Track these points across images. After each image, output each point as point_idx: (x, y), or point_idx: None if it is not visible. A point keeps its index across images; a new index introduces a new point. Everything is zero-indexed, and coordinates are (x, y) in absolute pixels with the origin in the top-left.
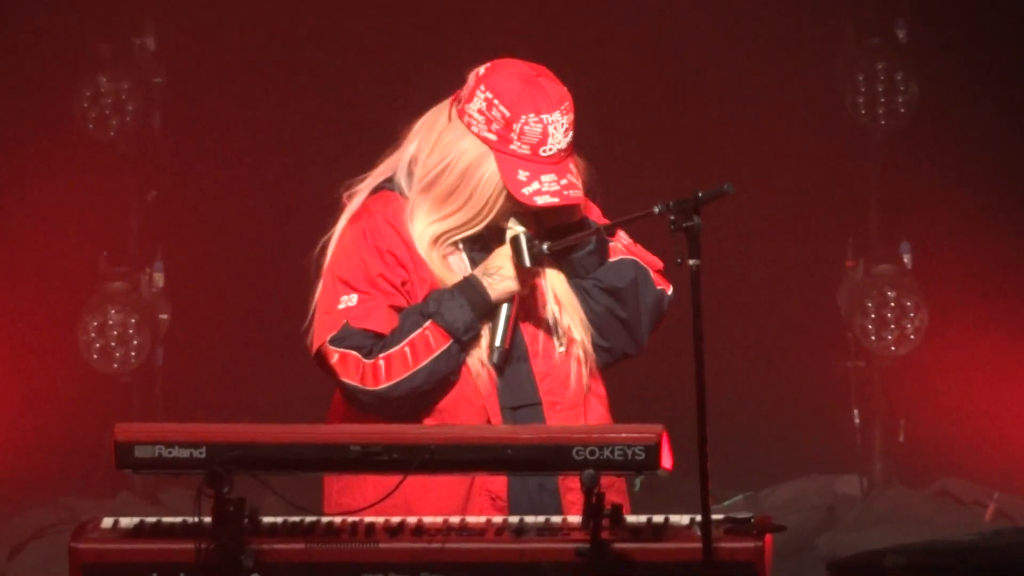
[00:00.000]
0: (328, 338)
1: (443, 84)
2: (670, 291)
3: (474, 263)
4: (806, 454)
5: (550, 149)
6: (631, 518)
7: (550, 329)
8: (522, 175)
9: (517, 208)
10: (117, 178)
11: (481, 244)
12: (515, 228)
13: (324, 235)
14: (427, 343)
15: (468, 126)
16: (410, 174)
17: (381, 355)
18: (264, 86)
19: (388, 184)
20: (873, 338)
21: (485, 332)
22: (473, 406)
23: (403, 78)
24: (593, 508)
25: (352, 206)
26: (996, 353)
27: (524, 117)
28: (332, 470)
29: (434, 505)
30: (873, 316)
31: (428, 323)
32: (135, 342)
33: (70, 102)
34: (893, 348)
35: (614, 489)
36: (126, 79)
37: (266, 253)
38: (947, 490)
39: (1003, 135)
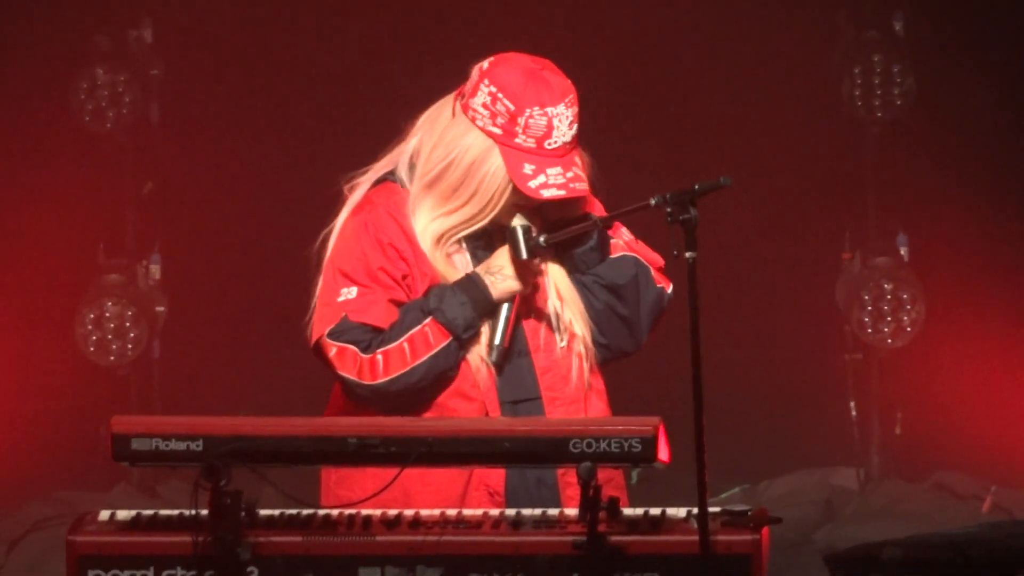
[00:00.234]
0: (326, 331)
1: (443, 77)
2: (670, 289)
3: (476, 260)
4: (803, 447)
5: (555, 142)
6: (628, 511)
7: (551, 324)
8: (528, 168)
9: (522, 202)
10: (114, 170)
11: (484, 241)
12: (516, 222)
13: (322, 228)
14: (426, 339)
15: (472, 120)
16: (412, 167)
17: (379, 350)
18: (262, 78)
19: (390, 176)
20: (870, 331)
21: (485, 330)
22: (472, 401)
23: (402, 72)
24: (590, 501)
25: (354, 198)
26: (993, 346)
27: (529, 110)
28: (329, 463)
29: (431, 500)
30: (870, 309)
31: (428, 319)
32: (132, 334)
33: (67, 94)
34: (890, 341)
35: (613, 484)
36: (123, 71)
37: (263, 246)
38: (944, 483)
39: (1000, 128)
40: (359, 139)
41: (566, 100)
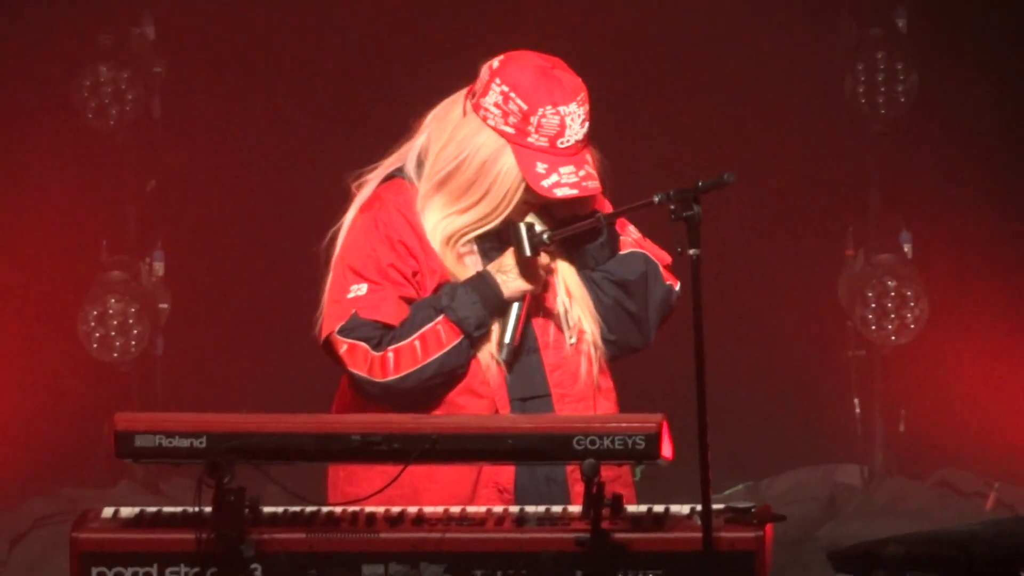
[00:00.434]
0: (337, 328)
1: (447, 73)
2: (678, 287)
3: (487, 259)
4: (806, 444)
5: (567, 140)
6: (631, 508)
7: (560, 321)
8: (540, 168)
9: (532, 201)
10: (117, 167)
11: (495, 239)
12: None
13: (325, 224)
14: (438, 337)
15: (484, 120)
16: (420, 164)
17: (390, 347)
18: (264, 75)
19: (399, 173)
20: (873, 328)
21: (495, 328)
22: (482, 398)
23: (405, 69)
24: (593, 498)
25: (362, 195)
26: (997, 342)
27: (541, 110)
28: (332, 460)
29: (440, 497)
30: (873, 306)
31: (440, 317)
32: (135, 331)
33: (69, 92)
34: (893, 338)
35: (621, 481)
36: (126, 68)
37: (266, 242)
38: (948, 480)
39: (1003, 125)
40: (361, 136)
41: (578, 98)
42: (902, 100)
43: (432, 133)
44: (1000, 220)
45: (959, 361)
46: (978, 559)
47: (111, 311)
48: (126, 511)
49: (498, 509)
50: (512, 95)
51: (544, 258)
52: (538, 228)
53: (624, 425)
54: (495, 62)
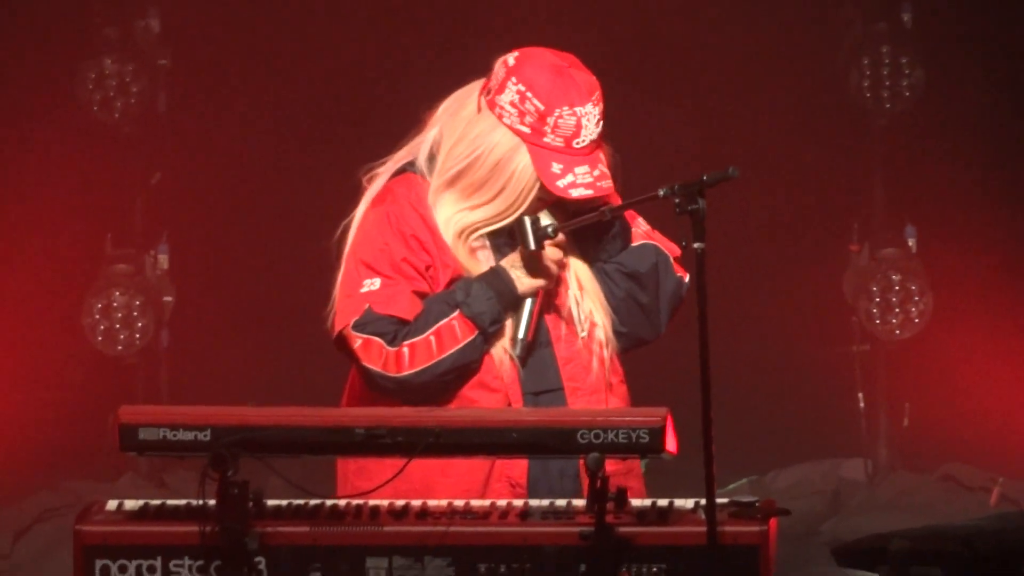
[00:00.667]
0: (351, 323)
1: (454, 66)
2: (687, 279)
3: (499, 253)
4: (811, 438)
5: (583, 141)
6: (636, 501)
7: (572, 315)
8: (556, 168)
9: (545, 198)
10: (122, 160)
11: (507, 235)
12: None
13: (330, 218)
14: (453, 333)
15: (500, 118)
16: (431, 158)
17: (405, 342)
18: (270, 68)
19: (410, 167)
20: (878, 322)
21: (508, 323)
22: (495, 392)
23: (412, 62)
24: (598, 492)
25: (374, 188)
26: (1001, 337)
27: (558, 110)
28: (336, 453)
29: (452, 491)
30: (878, 300)
31: (455, 313)
32: (139, 324)
33: (75, 84)
34: (898, 332)
35: (633, 474)
36: (131, 61)
37: (270, 236)
38: (952, 475)
39: (1008, 119)
40: (367, 129)
41: (593, 98)
42: (907, 95)
43: (444, 127)
44: (1005, 215)
45: (963, 356)
46: (982, 554)
47: (116, 304)
48: (130, 504)
49: (502, 503)
50: (529, 95)
51: (557, 252)
52: (543, 222)
53: (628, 419)
54: (510, 59)
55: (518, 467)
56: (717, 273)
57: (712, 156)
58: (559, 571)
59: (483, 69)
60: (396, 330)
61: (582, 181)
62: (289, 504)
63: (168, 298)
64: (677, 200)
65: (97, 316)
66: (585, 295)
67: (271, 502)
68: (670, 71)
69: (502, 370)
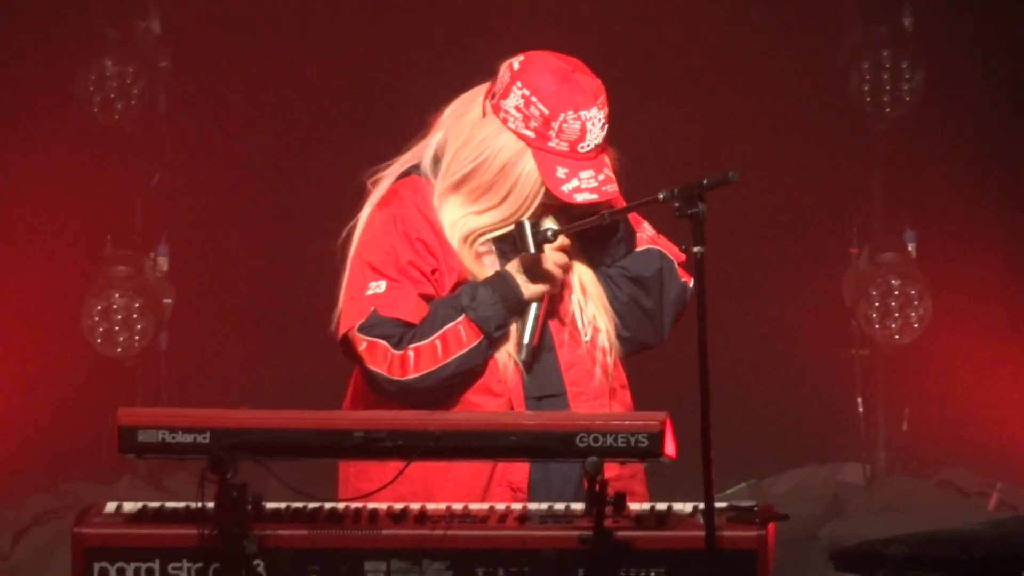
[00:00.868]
0: (357, 325)
1: (455, 69)
2: (691, 284)
3: (504, 258)
4: (810, 443)
5: (588, 145)
6: (634, 505)
7: (576, 319)
8: (561, 172)
9: (551, 203)
10: (122, 162)
11: (511, 240)
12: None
13: (330, 220)
14: (459, 337)
15: (504, 122)
16: (436, 161)
17: (411, 346)
18: (270, 69)
19: (415, 170)
20: (877, 326)
21: (513, 328)
22: (498, 396)
23: (413, 64)
24: (596, 496)
25: (379, 191)
26: (1000, 341)
27: (563, 115)
28: (335, 456)
29: (453, 495)
30: (877, 304)
31: (461, 317)
32: (139, 326)
33: (75, 86)
34: (897, 336)
35: (637, 479)
36: (131, 63)
37: (271, 238)
38: (950, 480)
39: (1008, 123)
40: (367, 130)
41: (598, 102)
42: (907, 99)
43: (449, 131)
44: (1005, 219)
45: (963, 360)
46: (980, 559)
47: (115, 306)
48: (129, 506)
49: (501, 506)
50: (534, 99)
51: (561, 257)
52: (543, 225)
53: (627, 423)
54: (515, 63)
55: (519, 471)
56: (716, 276)
57: (712, 157)
58: (558, 575)
59: (483, 70)
60: (401, 333)
61: (587, 186)
62: (288, 507)
63: (167, 300)
64: (677, 203)
65: (96, 318)
66: (589, 299)
67: (270, 505)
68: (671, 72)
69: (506, 375)
